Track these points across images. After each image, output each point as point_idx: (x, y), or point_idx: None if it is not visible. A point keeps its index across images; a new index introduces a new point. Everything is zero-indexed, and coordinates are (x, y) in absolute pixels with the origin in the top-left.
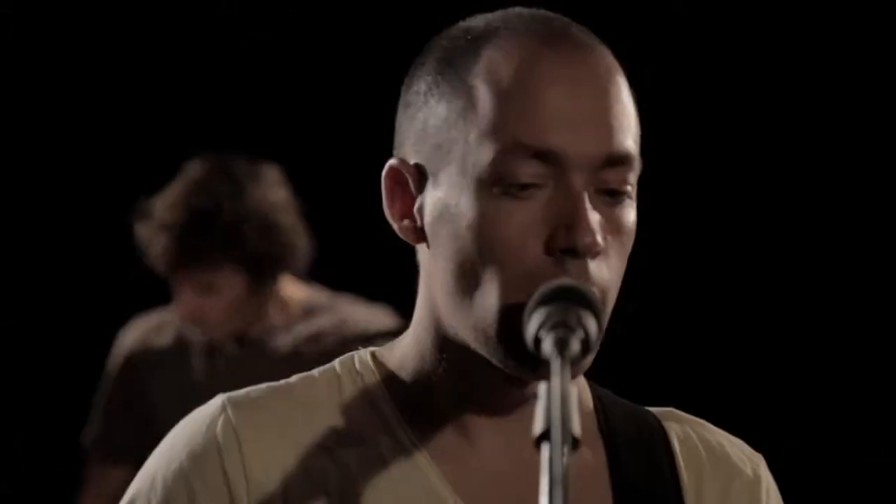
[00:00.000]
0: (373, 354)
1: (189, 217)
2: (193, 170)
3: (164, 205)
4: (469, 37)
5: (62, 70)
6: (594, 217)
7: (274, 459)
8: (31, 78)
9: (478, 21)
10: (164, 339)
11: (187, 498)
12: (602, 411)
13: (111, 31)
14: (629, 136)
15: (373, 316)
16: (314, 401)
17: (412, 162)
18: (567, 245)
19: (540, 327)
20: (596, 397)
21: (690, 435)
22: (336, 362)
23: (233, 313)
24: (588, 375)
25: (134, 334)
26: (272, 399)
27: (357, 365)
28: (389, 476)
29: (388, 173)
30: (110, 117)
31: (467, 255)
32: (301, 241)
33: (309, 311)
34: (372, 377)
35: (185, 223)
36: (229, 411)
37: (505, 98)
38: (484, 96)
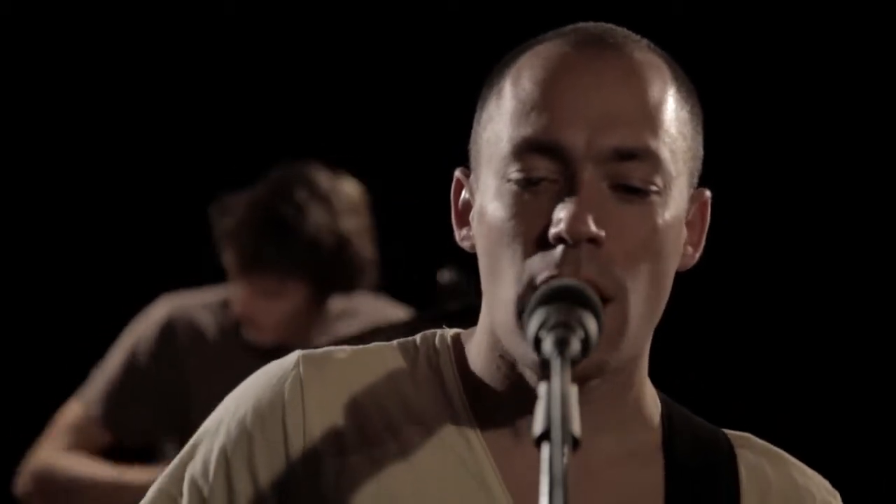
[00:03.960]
0: (455, 336)
1: (271, 221)
2: (281, 175)
3: (248, 204)
4: (519, 48)
5: (67, 69)
6: (587, 206)
7: (334, 421)
8: (32, 78)
9: (542, 35)
10: (208, 318)
11: (246, 447)
12: (668, 431)
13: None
14: (649, 132)
15: (391, 310)
16: (387, 370)
17: (470, 172)
18: (555, 234)
19: (540, 327)
20: (666, 416)
21: (762, 465)
22: (417, 336)
23: (287, 322)
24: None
25: (174, 306)
26: (346, 362)
27: (437, 343)
28: (446, 460)
29: (453, 185)
30: (109, 116)
31: (491, 251)
32: (371, 262)
33: (339, 315)
34: (448, 358)
35: (265, 226)
36: (301, 368)
37: (522, 96)
38: (507, 95)
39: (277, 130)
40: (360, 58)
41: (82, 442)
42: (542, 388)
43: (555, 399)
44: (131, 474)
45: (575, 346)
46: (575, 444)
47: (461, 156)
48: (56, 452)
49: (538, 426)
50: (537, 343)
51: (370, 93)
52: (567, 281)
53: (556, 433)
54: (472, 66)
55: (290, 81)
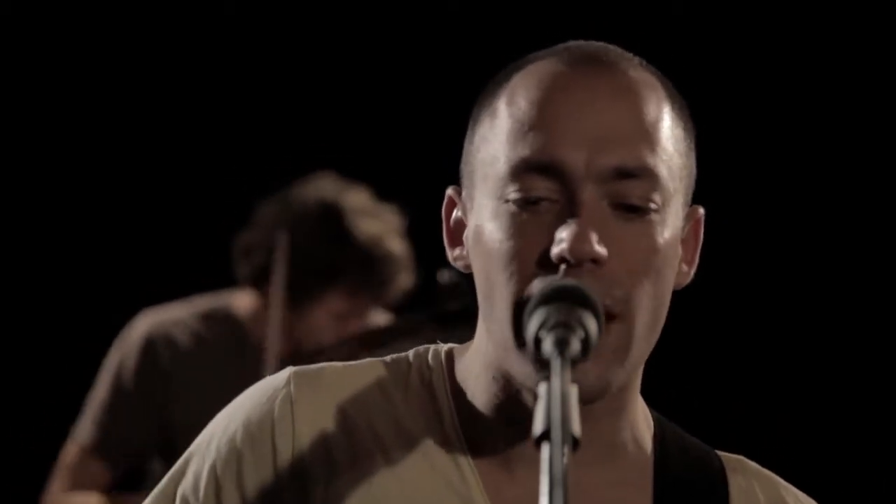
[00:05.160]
0: (448, 352)
1: (321, 236)
2: (313, 190)
3: (292, 217)
4: (510, 66)
5: (69, 69)
6: (590, 226)
7: (324, 439)
8: (35, 77)
9: (531, 54)
10: (184, 334)
11: (236, 466)
12: (660, 454)
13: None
14: (646, 150)
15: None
16: (379, 387)
17: (462, 191)
18: (557, 253)
19: (540, 327)
20: (658, 437)
21: (754, 488)
22: (411, 352)
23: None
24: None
25: (153, 323)
26: (338, 379)
27: (430, 359)
28: (434, 481)
29: (445, 204)
30: (109, 116)
31: (489, 272)
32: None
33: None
34: (440, 375)
35: (315, 241)
36: (292, 386)
37: (519, 116)
38: (502, 115)
39: (274, 133)
40: (358, 59)
41: (84, 481)
42: (542, 388)
43: (555, 399)
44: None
45: (575, 346)
46: (575, 444)
47: (461, 156)
48: (63, 497)
49: (538, 426)
50: (537, 343)
51: (368, 93)
52: (567, 281)
53: (556, 433)
54: (470, 68)
55: (288, 84)
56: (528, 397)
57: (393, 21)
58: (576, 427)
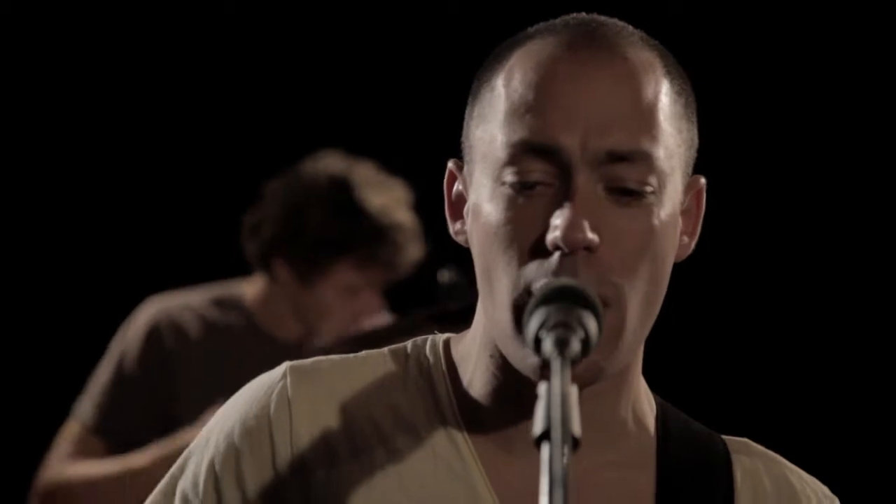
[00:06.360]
0: (445, 341)
1: (337, 208)
2: (326, 166)
3: (307, 194)
4: (511, 41)
5: (68, 68)
6: (583, 213)
7: (323, 431)
8: (30, 78)
9: (532, 27)
10: (192, 321)
11: (235, 462)
12: (663, 434)
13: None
14: (643, 134)
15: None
16: (377, 378)
17: (463, 165)
18: (552, 241)
19: (540, 327)
20: (660, 418)
21: (759, 469)
22: (409, 343)
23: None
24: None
25: (159, 309)
26: (334, 372)
27: (428, 349)
28: (435, 466)
29: (446, 177)
30: (101, 119)
31: (486, 254)
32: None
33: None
34: (439, 364)
35: (331, 214)
36: (288, 380)
37: (515, 98)
38: (500, 95)
39: (273, 131)
40: (359, 56)
41: (82, 457)
42: (542, 388)
43: (555, 399)
44: (135, 459)
45: (575, 346)
46: (575, 444)
47: (460, 156)
48: (61, 465)
49: (538, 426)
50: (537, 343)
51: (368, 93)
52: (567, 281)
53: (556, 433)
54: (470, 65)
55: (287, 81)
56: (524, 376)
57: (392, 11)
58: (576, 427)
